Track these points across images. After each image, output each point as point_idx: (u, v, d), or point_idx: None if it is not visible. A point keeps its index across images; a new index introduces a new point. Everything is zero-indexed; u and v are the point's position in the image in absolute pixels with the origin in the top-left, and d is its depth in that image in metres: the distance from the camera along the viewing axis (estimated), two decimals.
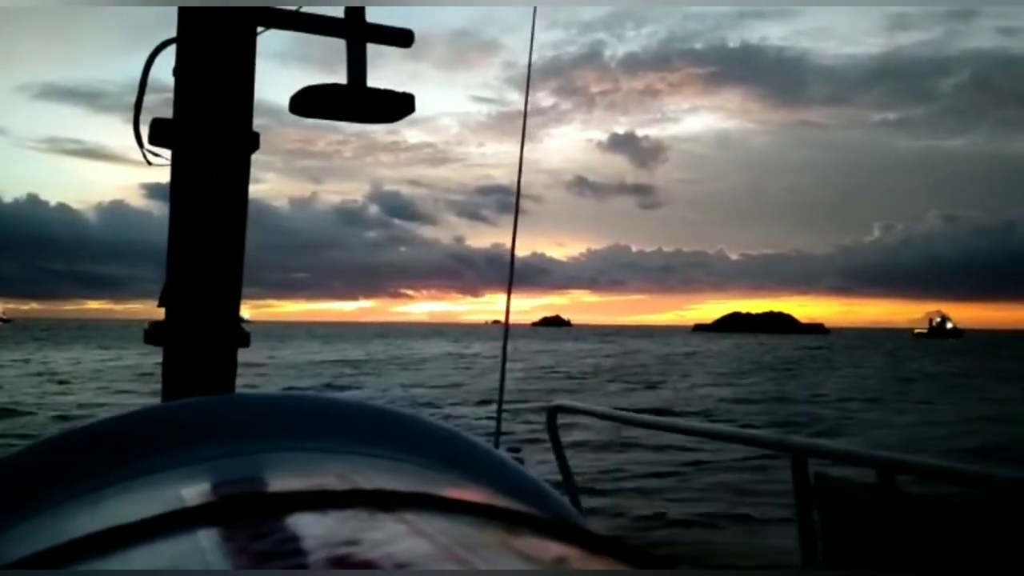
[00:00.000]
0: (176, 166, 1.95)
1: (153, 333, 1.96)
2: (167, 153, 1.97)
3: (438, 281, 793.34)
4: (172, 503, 0.66)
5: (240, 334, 1.98)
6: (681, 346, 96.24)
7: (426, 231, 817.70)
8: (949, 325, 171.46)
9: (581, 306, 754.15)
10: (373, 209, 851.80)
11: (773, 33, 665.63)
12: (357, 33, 2.01)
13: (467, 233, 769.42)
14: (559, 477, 3.54)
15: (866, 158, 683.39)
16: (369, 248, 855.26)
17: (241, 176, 1.97)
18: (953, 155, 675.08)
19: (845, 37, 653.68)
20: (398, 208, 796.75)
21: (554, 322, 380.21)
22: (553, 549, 0.60)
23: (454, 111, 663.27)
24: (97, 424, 0.93)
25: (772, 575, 7.68)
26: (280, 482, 0.80)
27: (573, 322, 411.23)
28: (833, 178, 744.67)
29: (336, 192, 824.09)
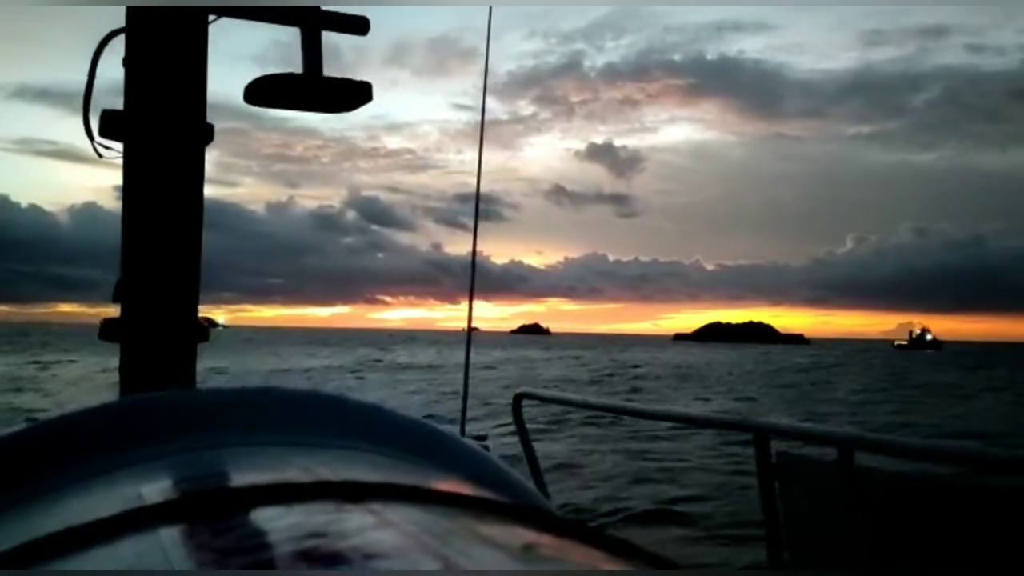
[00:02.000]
0: (128, 159, 1.91)
1: (108, 329, 1.91)
2: (119, 146, 1.94)
3: (415, 287, 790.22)
4: (133, 501, 0.64)
5: (198, 329, 1.95)
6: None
7: (404, 237, 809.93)
8: (929, 337, 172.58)
9: (559, 314, 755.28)
10: (350, 214, 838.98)
11: (750, 46, 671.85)
12: (312, 21, 1.95)
13: (445, 240, 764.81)
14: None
15: (840, 171, 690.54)
16: (346, 254, 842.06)
17: (196, 167, 1.94)
18: (925, 169, 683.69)
19: (820, 52, 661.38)
20: (376, 214, 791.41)
21: (532, 330, 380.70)
22: (521, 535, 0.60)
23: (433, 118, 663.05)
24: (54, 421, 0.88)
25: (749, 573, 7.57)
26: (243, 476, 0.76)
27: (552, 330, 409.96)
28: (808, 190, 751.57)
29: (313, 197, 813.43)
